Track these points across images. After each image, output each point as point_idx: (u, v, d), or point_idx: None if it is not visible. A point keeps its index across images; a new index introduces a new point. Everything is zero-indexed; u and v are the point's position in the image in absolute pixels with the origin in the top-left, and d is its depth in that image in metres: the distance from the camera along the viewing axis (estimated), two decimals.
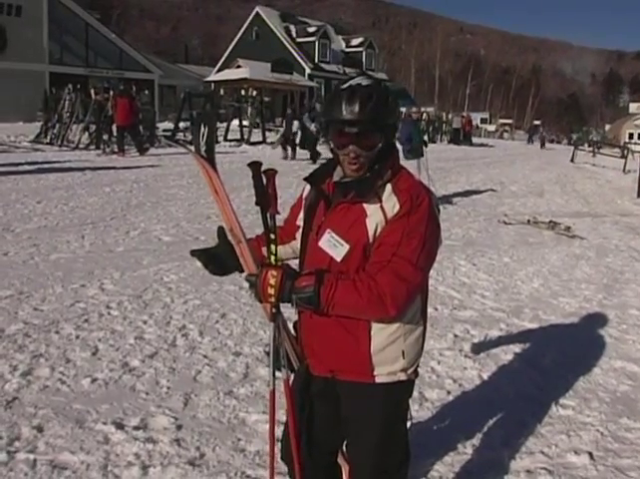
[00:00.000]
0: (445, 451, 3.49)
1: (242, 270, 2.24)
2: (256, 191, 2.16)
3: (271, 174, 2.16)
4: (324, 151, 19.49)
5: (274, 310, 2.14)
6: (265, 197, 2.15)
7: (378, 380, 2.20)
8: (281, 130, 23.60)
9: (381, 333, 2.15)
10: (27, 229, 8.30)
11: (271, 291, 2.03)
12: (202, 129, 2.09)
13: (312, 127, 18.49)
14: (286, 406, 2.29)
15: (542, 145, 44.21)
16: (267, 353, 2.39)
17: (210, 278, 6.39)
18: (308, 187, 2.33)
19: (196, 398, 3.95)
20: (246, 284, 2.14)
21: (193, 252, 2.38)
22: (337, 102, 2.06)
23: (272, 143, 24.15)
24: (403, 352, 2.20)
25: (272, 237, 2.16)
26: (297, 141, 19.95)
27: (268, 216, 2.17)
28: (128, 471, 3.16)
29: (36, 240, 7.65)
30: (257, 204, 2.16)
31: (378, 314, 2.08)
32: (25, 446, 3.31)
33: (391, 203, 2.08)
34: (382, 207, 2.08)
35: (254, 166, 2.15)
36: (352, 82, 2.10)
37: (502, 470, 3.36)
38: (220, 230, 2.27)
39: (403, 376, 2.22)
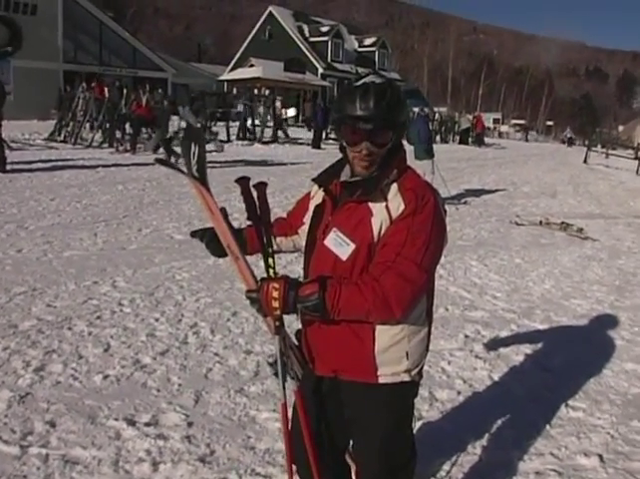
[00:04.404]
0: (454, 451, 3.49)
1: (245, 251, 2.24)
2: (247, 206, 2.17)
3: (261, 187, 2.18)
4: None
5: (277, 323, 2.13)
6: (257, 211, 2.16)
7: (381, 381, 2.19)
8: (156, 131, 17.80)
9: (385, 334, 2.14)
10: (40, 226, 8.36)
11: (275, 304, 2.03)
12: (193, 148, 2.05)
13: (196, 122, 15.39)
14: (299, 414, 2.30)
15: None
16: (270, 364, 2.39)
17: (222, 277, 6.42)
18: (316, 187, 2.31)
19: (207, 396, 3.97)
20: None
21: (194, 233, 2.39)
22: (351, 99, 2.04)
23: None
24: (407, 353, 2.18)
25: (269, 250, 2.17)
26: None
27: (263, 229, 2.18)
28: (138, 467, 3.19)
29: (49, 238, 7.70)
30: (249, 219, 2.18)
31: (384, 317, 2.06)
32: (38, 441, 3.35)
33: (396, 202, 2.06)
34: (387, 206, 2.06)
35: (243, 181, 2.16)
36: (366, 79, 2.09)
37: (512, 471, 3.36)
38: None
39: (406, 377, 2.21)
